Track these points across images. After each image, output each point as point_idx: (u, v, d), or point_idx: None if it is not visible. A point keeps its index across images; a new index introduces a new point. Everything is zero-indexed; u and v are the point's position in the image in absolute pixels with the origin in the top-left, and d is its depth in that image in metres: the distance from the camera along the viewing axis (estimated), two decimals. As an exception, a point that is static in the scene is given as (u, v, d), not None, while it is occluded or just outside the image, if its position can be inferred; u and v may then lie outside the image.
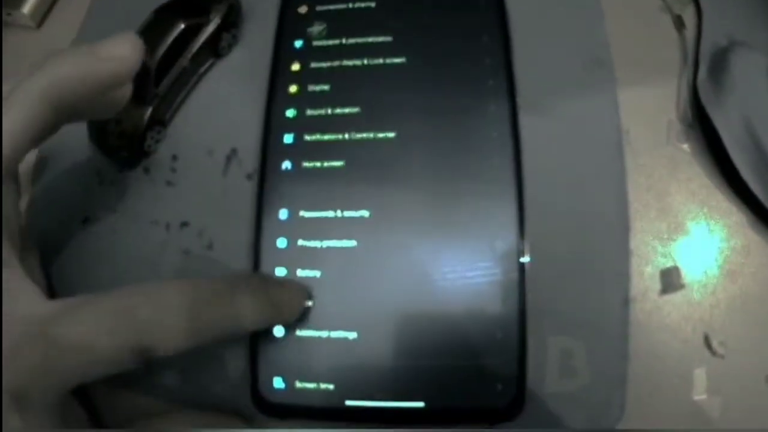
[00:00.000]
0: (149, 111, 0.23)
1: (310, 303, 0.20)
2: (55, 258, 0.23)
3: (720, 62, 0.25)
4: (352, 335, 0.20)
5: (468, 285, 0.20)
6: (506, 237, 0.20)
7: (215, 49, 0.25)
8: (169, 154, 0.24)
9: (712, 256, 0.22)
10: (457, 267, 0.20)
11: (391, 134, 0.22)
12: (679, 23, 0.26)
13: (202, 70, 0.25)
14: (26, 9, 0.29)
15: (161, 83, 0.23)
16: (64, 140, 0.25)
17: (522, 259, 0.20)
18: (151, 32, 0.23)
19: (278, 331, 0.20)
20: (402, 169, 0.21)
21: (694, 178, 0.23)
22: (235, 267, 0.21)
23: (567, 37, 0.24)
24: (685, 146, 0.23)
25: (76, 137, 0.23)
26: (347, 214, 0.21)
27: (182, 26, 0.23)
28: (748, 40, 0.26)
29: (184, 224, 0.22)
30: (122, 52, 0.17)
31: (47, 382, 0.14)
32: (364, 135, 0.22)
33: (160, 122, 0.24)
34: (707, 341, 0.21)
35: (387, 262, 0.20)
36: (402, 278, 0.20)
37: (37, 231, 0.23)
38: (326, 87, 0.22)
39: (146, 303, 0.15)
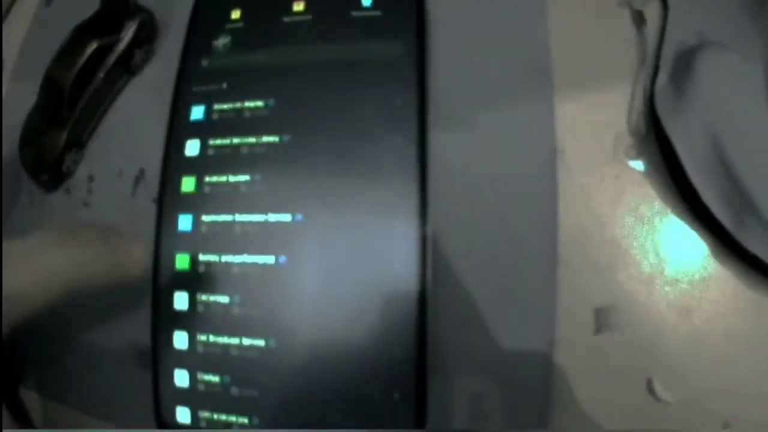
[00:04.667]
0: (65, 133, 0.22)
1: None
2: None
3: (685, 64, 0.20)
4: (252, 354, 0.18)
5: (362, 313, 0.17)
6: (405, 261, 0.17)
7: (128, 67, 0.23)
8: (86, 174, 0.22)
9: (661, 291, 0.19)
10: (350, 290, 0.17)
11: (286, 138, 0.19)
12: (639, 19, 0.21)
13: (117, 87, 0.23)
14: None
15: (77, 104, 0.22)
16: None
17: (422, 289, 0.17)
18: (66, 52, 0.22)
19: (180, 342, 0.18)
20: (301, 175, 0.18)
21: (645, 201, 0.19)
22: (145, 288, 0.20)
23: (498, 36, 0.20)
24: (636, 163, 0.20)
25: (9, 160, 0.23)
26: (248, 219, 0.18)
27: (95, 45, 0.22)
28: (722, 37, 0.21)
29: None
30: None
31: None
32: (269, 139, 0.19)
33: (77, 143, 0.22)
34: (650, 386, 0.18)
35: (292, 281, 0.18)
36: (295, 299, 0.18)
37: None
38: (232, 106, 0.20)
39: None
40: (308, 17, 0.20)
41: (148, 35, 0.23)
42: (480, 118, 0.19)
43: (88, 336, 0.21)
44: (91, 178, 0.22)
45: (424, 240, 0.17)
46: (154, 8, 0.24)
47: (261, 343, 0.18)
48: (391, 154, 0.18)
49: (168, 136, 0.20)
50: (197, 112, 0.20)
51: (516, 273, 0.19)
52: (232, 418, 0.18)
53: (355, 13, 0.20)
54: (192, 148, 0.19)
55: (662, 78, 0.20)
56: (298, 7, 0.21)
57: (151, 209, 0.20)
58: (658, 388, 0.18)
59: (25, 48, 0.27)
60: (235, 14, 0.21)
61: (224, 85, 0.20)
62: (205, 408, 0.18)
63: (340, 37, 0.20)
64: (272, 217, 0.18)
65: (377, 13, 0.20)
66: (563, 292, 0.18)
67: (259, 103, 0.19)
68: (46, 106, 0.22)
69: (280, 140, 0.19)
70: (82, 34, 0.22)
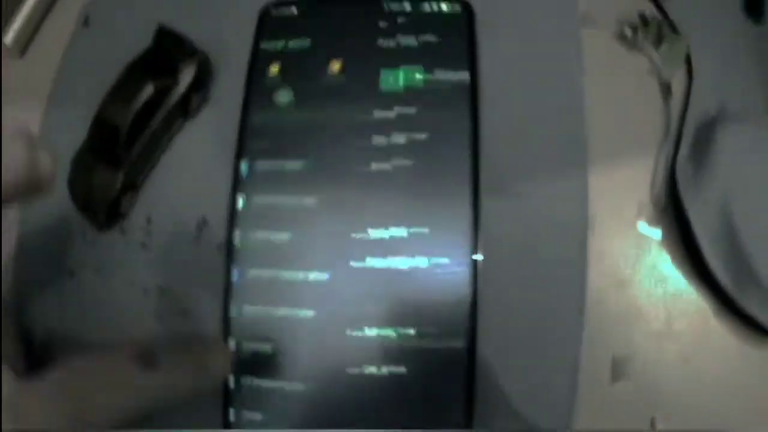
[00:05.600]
0: (121, 176, 0.22)
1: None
2: (40, 308, 0.23)
3: (705, 137, 0.22)
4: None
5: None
6: (454, 322, 0.20)
7: (185, 111, 0.23)
8: (143, 215, 0.23)
9: (669, 343, 0.21)
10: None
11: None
12: (666, 91, 0.23)
13: (173, 130, 0.23)
14: (8, 40, 0.28)
15: (133, 147, 0.22)
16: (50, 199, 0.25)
17: (469, 346, 0.20)
18: (121, 92, 0.22)
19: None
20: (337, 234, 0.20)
21: (660, 264, 0.22)
22: (207, 334, 0.21)
23: (541, 109, 0.22)
24: (655, 231, 0.22)
25: (60, 195, 0.23)
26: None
27: (152, 88, 0.22)
28: (741, 107, 0.23)
29: (160, 289, 0.22)
30: None
31: None
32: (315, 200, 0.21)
33: (133, 186, 0.23)
34: (653, 425, 0.21)
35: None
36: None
37: (24, 281, 0.23)
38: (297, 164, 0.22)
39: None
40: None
41: (204, 79, 0.23)
42: (523, 187, 0.21)
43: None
44: (149, 220, 0.23)
45: (474, 301, 0.20)
46: (208, 48, 0.24)
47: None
48: (447, 216, 0.20)
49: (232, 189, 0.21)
50: (244, 168, 0.21)
51: (547, 326, 0.21)
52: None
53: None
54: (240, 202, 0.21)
55: (684, 149, 0.22)
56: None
57: (216, 257, 0.22)
58: (660, 426, 0.21)
59: (63, 72, 0.26)
60: (275, 69, 0.22)
61: (267, 144, 0.21)
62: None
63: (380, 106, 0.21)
64: (312, 275, 0.20)
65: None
66: (585, 343, 0.21)
67: (298, 164, 0.21)
68: (100, 146, 0.22)
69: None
70: (137, 74, 0.22)
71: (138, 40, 0.23)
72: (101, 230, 0.23)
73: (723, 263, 0.21)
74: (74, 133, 0.23)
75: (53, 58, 0.27)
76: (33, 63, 0.28)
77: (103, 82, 0.23)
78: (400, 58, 0.22)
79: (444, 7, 0.22)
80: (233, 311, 0.21)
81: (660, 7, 0.24)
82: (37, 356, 0.21)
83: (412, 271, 0.20)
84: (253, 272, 0.21)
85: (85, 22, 0.27)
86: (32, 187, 0.16)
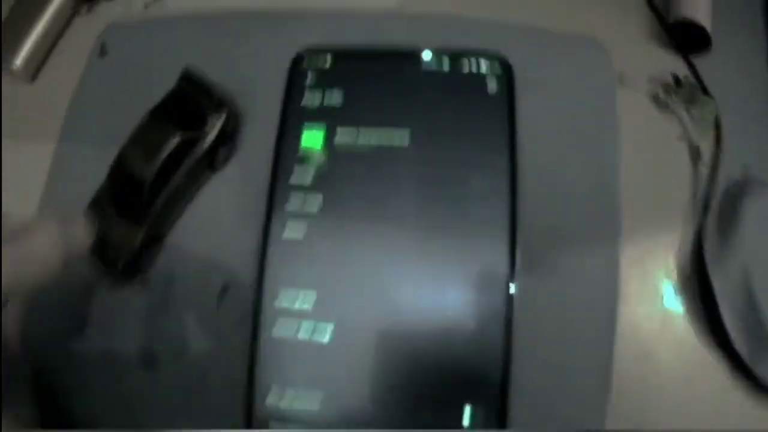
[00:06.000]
0: (143, 231, 0.21)
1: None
2: (54, 361, 0.22)
3: (731, 206, 0.23)
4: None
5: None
6: (489, 382, 0.20)
7: (212, 164, 0.22)
8: (166, 270, 0.22)
9: (690, 409, 0.22)
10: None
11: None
12: (695, 155, 0.23)
13: (199, 183, 0.23)
14: (19, 62, 0.27)
15: (157, 199, 0.21)
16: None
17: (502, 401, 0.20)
18: (145, 140, 0.21)
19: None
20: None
21: (682, 337, 0.22)
22: (227, 403, 0.21)
23: (579, 184, 0.22)
24: (678, 302, 0.22)
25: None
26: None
27: (178, 139, 0.21)
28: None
29: (180, 352, 0.21)
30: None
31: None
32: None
33: (156, 239, 0.22)
34: None
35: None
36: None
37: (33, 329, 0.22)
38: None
39: None
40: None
41: (232, 131, 0.23)
42: (557, 258, 0.22)
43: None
44: (170, 279, 0.22)
45: (507, 363, 0.20)
46: (232, 87, 0.23)
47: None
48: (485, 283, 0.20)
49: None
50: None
51: (573, 398, 0.21)
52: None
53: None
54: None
55: (710, 218, 0.22)
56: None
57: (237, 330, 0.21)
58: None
59: (78, 102, 0.25)
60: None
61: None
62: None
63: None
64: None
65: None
66: (611, 415, 0.21)
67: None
68: (121, 198, 0.21)
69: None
70: (161, 122, 0.21)
71: (159, 73, 0.23)
72: (119, 283, 0.22)
73: (743, 334, 0.22)
74: (89, 166, 0.22)
75: (65, 83, 0.27)
76: (45, 88, 0.27)
77: (121, 115, 0.22)
78: (437, 116, 0.21)
79: (483, 66, 0.22)
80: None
81: (692, 67, 0.24)
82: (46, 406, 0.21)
83: (448, 333, 0.20)
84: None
85: (102, 50, 0.26)
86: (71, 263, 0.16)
